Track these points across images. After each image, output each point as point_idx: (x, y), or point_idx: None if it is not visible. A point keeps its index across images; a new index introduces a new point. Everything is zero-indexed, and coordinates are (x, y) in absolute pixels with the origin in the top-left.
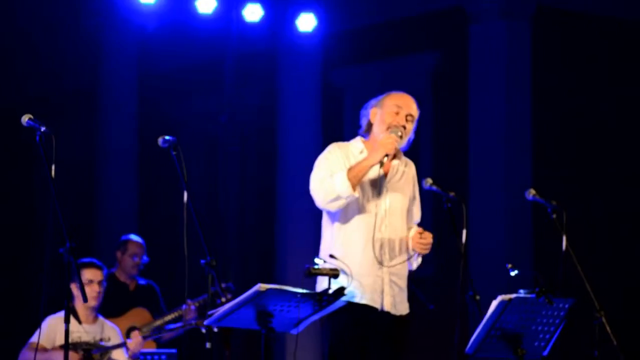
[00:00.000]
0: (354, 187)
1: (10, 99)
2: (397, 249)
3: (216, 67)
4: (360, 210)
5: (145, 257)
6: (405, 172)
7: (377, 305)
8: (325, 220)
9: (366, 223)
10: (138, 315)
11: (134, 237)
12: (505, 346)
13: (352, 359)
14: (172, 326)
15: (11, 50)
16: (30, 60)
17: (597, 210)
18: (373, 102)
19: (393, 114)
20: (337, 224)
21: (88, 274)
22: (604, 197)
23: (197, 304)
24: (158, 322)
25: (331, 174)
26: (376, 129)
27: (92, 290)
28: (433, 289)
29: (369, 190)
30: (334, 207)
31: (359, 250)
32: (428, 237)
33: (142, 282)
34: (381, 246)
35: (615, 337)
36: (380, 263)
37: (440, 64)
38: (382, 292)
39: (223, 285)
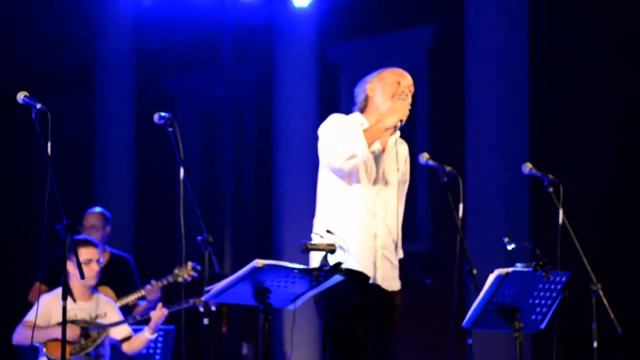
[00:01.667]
0: (369, 146)
1: (5, 76)
2: (390, 222)
3: (213, 42)
4: (358, 182)
5: (107, 228)
6: (400, 151)
7: (370, 274)
8: (321, 193)
9: (362, 195)
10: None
11: (95, 209)
12: (502, 320)
13: (348, 331)
14: (140, 303)
15: (6, 26)
16: (25, 37)
17: (594, 183)
18: (368, 78)
19: (395, 84)
20: (333, 196)
21: (86, 253)
22: (601, 170)
23: (160, 284)
24: (122, 302)
25: (344, 134)
26: (379, 100)
27: (91, 270)
28: (430, 264)
29: (367, 162)
30: (348, 165)
31: (355, 221)
32: None
33: (116, 255)
34: (375, 218)
35: (613, 309)
36: (375, 235)
37: (436, 38)
38: (375, 264)
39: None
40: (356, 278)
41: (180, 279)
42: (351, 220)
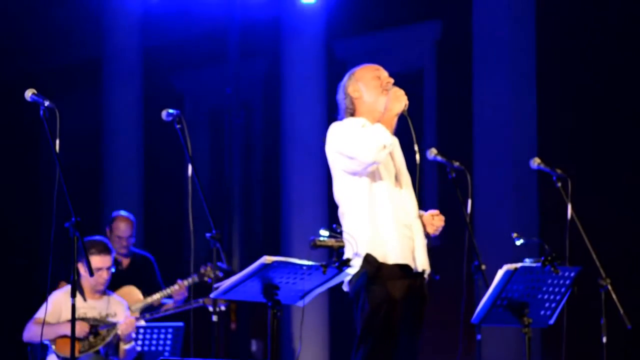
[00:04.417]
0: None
1: (13, 73)
2: (415, 212)
3: (220, 39)
4: (382, 180)
5: (132, 235)
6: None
7: (412, 264)
8: (345, 201)
9: (390, 191)
10: (127, 294)
11: (122, 213)
12: (511, 315)
13: (387, 334)
14: (166, 302)
15: (14, 23)
16: (33, 34)
17: (603, 178)
18: (344, 82)
19: (376, 78)
20: (360, 200)
21: (97, 262)
22: (610, 165)
23: (187, 283)
24: (148, 301)
25: (364, 131)
26: (368, 97)
27: (100, 277)
28: (439, 259)
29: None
30: (382, 157)
31: (389, 217)
32: (441, 221)
33: (137, 255)
34: (406, 210)
35: (622, 304)
36: (410, 226)
37: (444, 33)
38: (413, 254)
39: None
40: (398, 272)
41: (206, 278)
42: (385, 217)
